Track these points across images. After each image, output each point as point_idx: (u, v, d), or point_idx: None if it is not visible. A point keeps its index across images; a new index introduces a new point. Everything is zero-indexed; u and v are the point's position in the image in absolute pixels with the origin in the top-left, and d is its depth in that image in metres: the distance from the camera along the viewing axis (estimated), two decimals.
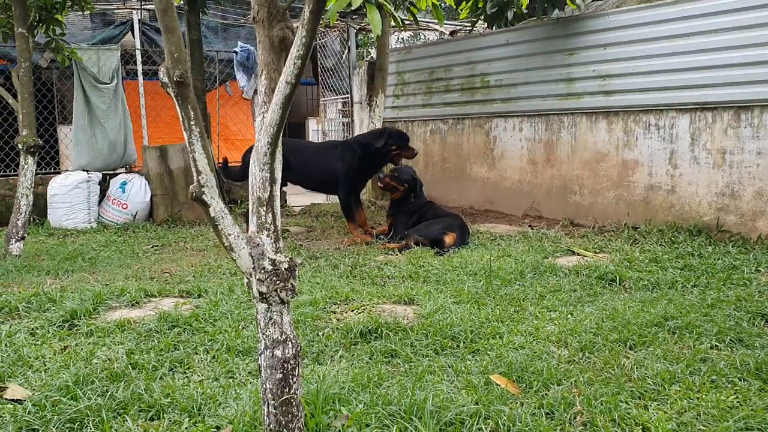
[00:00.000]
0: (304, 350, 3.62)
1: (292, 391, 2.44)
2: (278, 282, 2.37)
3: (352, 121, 10.97)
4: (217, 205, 2.34)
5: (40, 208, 8.15)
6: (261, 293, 2.38)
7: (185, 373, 3.42)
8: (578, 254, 6.15)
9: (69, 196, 8.20)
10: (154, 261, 6.28)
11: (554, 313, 4.29)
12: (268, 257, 2.38)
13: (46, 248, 6.81)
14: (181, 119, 2.28)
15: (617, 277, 5.09)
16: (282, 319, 2.43)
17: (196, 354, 3.64)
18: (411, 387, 3.01)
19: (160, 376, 3.33)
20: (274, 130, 2.33)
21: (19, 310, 4.38)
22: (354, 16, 10.94)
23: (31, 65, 6.42)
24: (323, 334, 3.90)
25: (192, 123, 2.27)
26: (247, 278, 2.42)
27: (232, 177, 7.90)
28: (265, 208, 2.40)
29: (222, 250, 6.62)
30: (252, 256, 2.37)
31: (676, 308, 4.20)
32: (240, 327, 4.04)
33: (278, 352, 2.42)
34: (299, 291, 4.45)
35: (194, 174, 2.32)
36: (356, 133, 10.89)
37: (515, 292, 4.79)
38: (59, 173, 8.97)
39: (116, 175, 8.94)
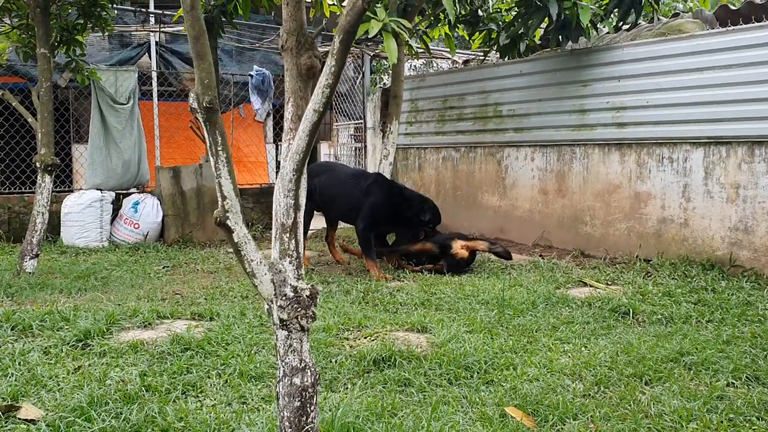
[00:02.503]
0: None
1: (310, 419, 2.42)
2: (299, 309, 2.37)
3: (365, 146, 11.03)
4: (240, 231, 2.35)
5: (53, 225, 8.19)
6: (282, 320, 2.38)
7: (198, 396, 3.41)
8: (590, 285, 6.13)
9: (82, 214, 8.25)
10: (165, 282, 6.29)
11: (568, 345, 4.26)
12: (290, 284, 2.38)
13: (59, 266, 6.84)
14: (208, 144, 2.30)
15: (630, 310, 5.07)
16: (302, 346, 2.42)
17: (209, 378, 3.63)
18: (426, 418, 3.00)
19: (173, 399, 3.31)
20: (300, 157, 2.34)
21: (32, 329, 4.38)
22: (369, 43, 11.05)
23: (52, 85, 6.50)
24: (336, 361, 3.88)
25: (219, 149, 2.29)
26: (267, 305, 2.42)
27: None
28: (288, 235, 2.41)
29: (233, 272, 6.64)
30: (274, 283, 2.38)
31: (691, 344, 4.17)
32: (252, 352, 4.02)
33: (297, 380, 2.41)
34: None
35: (219, 199, 2.34)
36: (368, 158, 10.94)
37: (528, 322, 4.77)
38: (72, 191, 9.03)
39: (129, 194, 8.99)
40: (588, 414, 3.17)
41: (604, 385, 3.56)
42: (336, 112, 12.79)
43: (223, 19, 8.69)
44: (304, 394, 2.42)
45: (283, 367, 2.43)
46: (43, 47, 6.33)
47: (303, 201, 2.45)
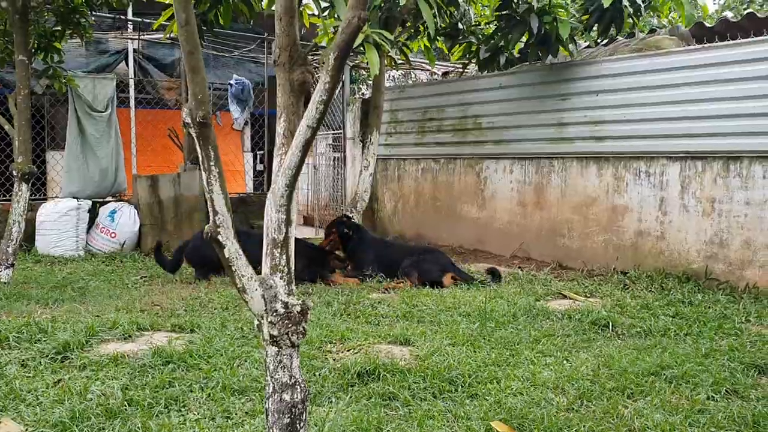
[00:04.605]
0: None
1: None
2: (290, 325, 2.36)
3: (344, 156, 11.02)
4: (232, 246, 2.34)
5: (27, 234, 8.03)
6: (272, 336, 2.37)
7: (181, 411, 3.37)
8: (569, 298, 6.18)
9: (58, 223, 8.12)
10: (143, 293, 6.21)
11: (550, 359, 4.29)
12: (281, 300, 2.37)
13: (35, 276, 6.72)
14: (200, 159, 2.29)
15: (610, 322, 5.11)
16: (292, 362, 2.41)
17: (192, 392, 3.59)
18: None
19: (156, 413, 3.28)
20: (293, 172, 2.34)
21: (9, 340, 4.30)
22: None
23: (30, 92, 6.41)
24: (320, 375, 3.86)
25: (212, 164, 2.28)
26: (258, 320, 2.40)
27: (164, 264, 7.12)
28: (279, 250, 2.40)
29: (212, 283, 6.59)
30: (264, 299, 2.37)
31: (671, 357, 4.22)
32: (235, 365, 3.99)
33: (287, 397, 2.40)
34: None
35: (211, 214, 2.33)
36: (348, 169, 10.93)
37: (510, 335, 4.79)
38: (46, 199, 8.89)
39: (106, 203, 8.88)
40: (573, 428, 3.19)
41: (587, 399, 3.59)
42: None
43: (204, 28, 8.64)
44: (293, 410, 2.41)
45: (273, 383, 2.42)
46: (22, 54, 6.24)
47: (294, 216, 2.45)
